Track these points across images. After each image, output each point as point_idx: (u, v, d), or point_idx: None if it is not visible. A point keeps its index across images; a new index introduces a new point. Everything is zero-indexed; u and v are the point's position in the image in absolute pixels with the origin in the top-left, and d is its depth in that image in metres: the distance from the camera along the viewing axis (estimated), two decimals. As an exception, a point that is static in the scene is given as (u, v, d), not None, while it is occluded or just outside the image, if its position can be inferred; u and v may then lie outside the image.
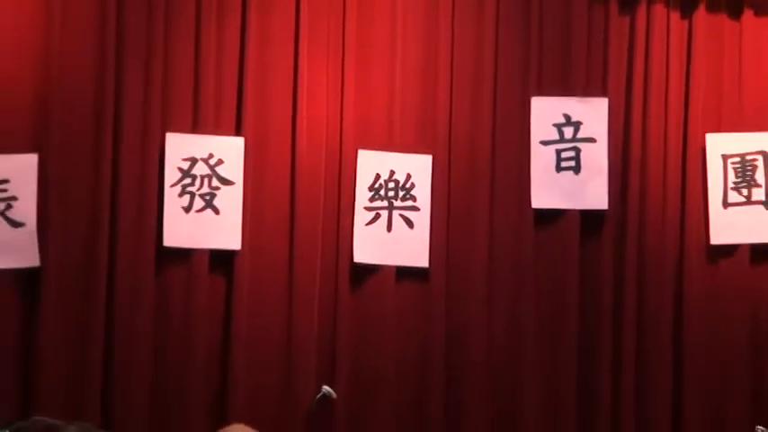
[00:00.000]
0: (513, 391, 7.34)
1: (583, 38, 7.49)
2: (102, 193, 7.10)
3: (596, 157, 7.41)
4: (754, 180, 7.46)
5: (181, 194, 7.18)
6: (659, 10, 7.50)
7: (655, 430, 7.42)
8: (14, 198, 7.00)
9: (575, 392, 7.36)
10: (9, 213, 7.02)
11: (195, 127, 7.22)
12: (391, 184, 7.33)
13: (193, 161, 7.20)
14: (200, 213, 7.19)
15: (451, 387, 7.29)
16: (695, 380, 7.39)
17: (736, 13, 7.56)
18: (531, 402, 7.32)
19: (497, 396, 7.29)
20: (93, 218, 7.11)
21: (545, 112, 7.43)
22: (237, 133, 7.27)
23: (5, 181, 7.05)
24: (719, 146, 7.46)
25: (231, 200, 7.21)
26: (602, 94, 7.50)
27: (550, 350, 7.38)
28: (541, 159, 7.41)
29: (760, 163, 7.47)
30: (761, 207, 7.44)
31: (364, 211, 7.30)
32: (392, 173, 7.32)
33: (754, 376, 7.39)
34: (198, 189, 7.19)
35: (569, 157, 7.41)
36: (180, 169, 7.19)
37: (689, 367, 7.38)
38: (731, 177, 7.46)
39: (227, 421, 6.52)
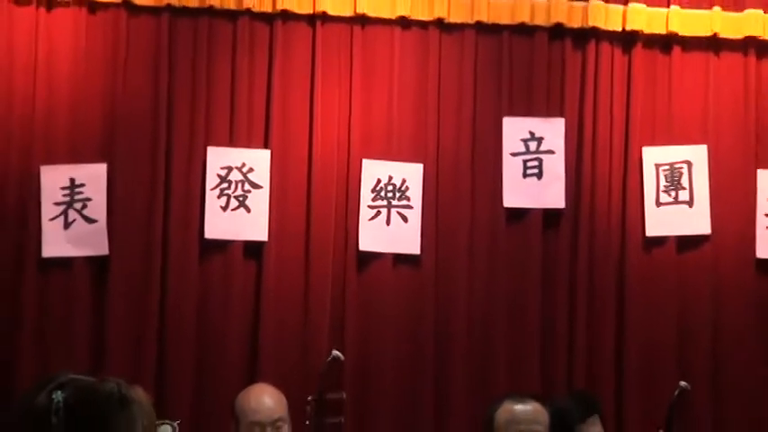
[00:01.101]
0: (487, 352, 7.50)
1: (544, 70, 7.65)
2: (157, 196, 7.36)
3: (555, 165, 7.59)
4: (681, 184, 7.63)
5: (219, 196, 7.42)
6: (605, 47, 7.65)
7: (601, 382, 7.44)
8: (89, 199, 7.28)
9: (538, 353, 7.51)
10: (85, 212, 7.29)
11: (231, 142, 7.46)
12: (390, 188, 7.51)
13: (229, 169, 7.42)
14: (235, 211, 7.42)
15: (439, 348, 7.45)
16: (633, 343, 7.54)
17: (666, 50, 7.71)
18: (501, 360, 7.48)
19: (475, 355, 7.48)
20: (149, 215, 7.36)
21: (514, 130, 7.61)
22: (265, 146, 7.48)
23: (82, 185, 7.29)
24: (653, 157, 7.63)
25: (260, 200, 7.43)
26: (560, 114, 7.64)
27: (518, 320, 7.53)
28: (511, 167, 7.58)
29: (685, 170, 7.63)
30: (685, 206, 7.62)
31: (368, 209, 7.50)
32: (390, 178, 7.52)
33: (680, 339, 7.56)
34: (233, 192, 7.42)
35: (533, 165, 7.60)
36: (218, 176, 7.42)
37: (628, 333, 7.55)
38: (662, 182, 7.62)
39: (257, 378, 6.93)
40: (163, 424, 4.07)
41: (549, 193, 7.65)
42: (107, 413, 3.43)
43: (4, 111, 7.31)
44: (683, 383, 6.74)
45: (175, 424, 4.53)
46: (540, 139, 7.65)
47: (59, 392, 3.44)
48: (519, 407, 5.77)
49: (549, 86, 7.71)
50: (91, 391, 3.48)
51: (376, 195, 7.54)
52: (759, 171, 7.72)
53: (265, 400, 6.37)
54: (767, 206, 7.71)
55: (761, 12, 7.76)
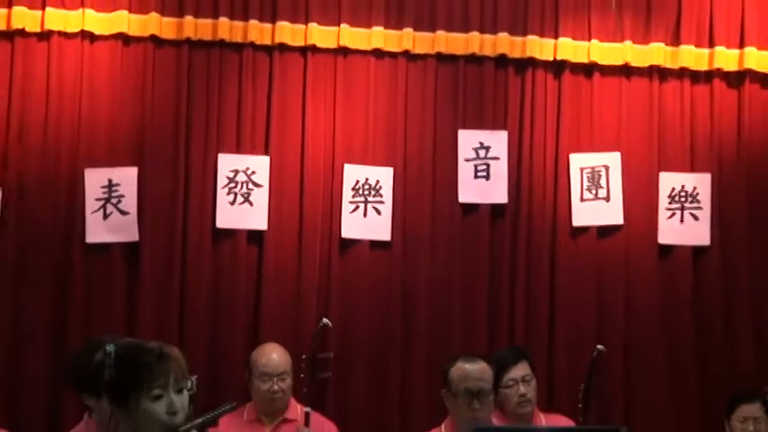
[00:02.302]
0: (444, 320, 7.63)
1: (491, 92, 7.79)
2: (178, 193, 7.49)
3: (500, 169, 7.72)
4: (599, 184, 7.74)
5: (228, 193, 7.54)
6: (540, 73, 7.80)
7: (536, 346, 7.49)
8: (123, 196, 7.41)
9: (485, 322, 7.66)
10: (120, 206, 7.40)
11: (238, 149, 7.56)
12: (366, 187, 7.64)
13: (236, 172, 7.54)
14: (241, 206, 7.53)
15: (405, 317, 7.61)
16: (561, 313, 7.68)
17: (588, 75, 7.86)
18: (456, 327, 7.61)
19: (434, 322, 7.63)
20: (171, 209, 7.48)
21: (467, 140, 7.73)
22: (265, 153, 7.58)
23: (117, 185, 7.40)
24: (578, 162, 7.76)
25: (261, 197, 7.55)
26: (504, 127, 7.76)
27: (470, 294, 7.67)
28: (465, 170, 7.72)
29: (603, 173, 7.74)
30: (603, 201, 7.73)
31: (349, 204, 7.62)
32: (367, 179, 7.64)
33: (599, 310, 7.70)
34: (239, 190, 7.54)
35: (483, 169, 7.72)
36: (227, 177, 7.53)
37: (558, 305, 7.70)
38: (585, 182, 7.74)
39: (259, 341, 7.18)
40: (185, 378, 3.98)
41: (495, 191, 7.75)
42: (149, 363, 3.76)
43: (55, 125, 7.41)
44: (600, 347, 6.74)
45: (194, 378, 4.38)
46: (488, 148, 7.74)
47: (112, 345, 3.84)
48: (469, 365, 6.07)
49: (495, 105, 7.81)
50: (137, 346, 3.89)
51: (355, 193, 7.65)
52: (661, 173, 7.82)
53: (274, 356, 6.86)
54: (667, 202, 7.81)
55: (663, 45, 7.89)
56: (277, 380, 6.86)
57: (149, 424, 3.75)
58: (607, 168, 7.82)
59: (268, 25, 7.68)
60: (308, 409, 6.69)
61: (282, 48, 7.71)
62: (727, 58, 7.96)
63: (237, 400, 6.51)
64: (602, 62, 7.91)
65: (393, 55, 7.81)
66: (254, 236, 7.60)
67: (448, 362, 6.31)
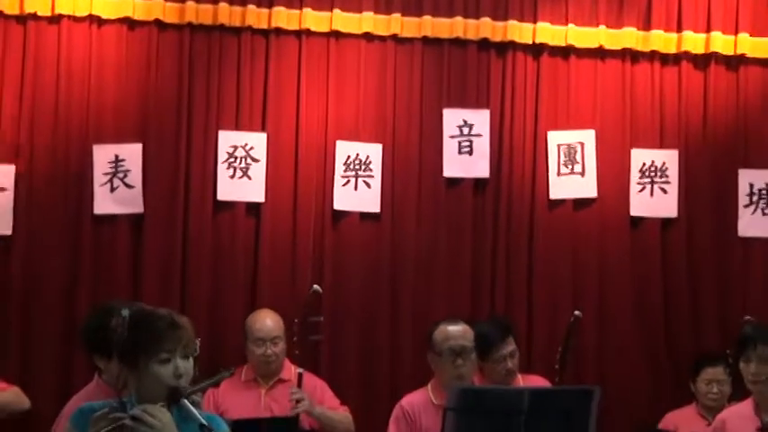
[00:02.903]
0: (429, 286, 7.66)
1: (474, 73, 7.79)
2: (180, 168, 7.49)
3: (482, 145, 7.72)
4: (575, 159, 7.75)
5: (228, 168, 7.53)
6: (520, 56, 7.80)
7: (516, 310, 7.59)
8: (128, 170, 7.41)
9: (468, 287, 7.68)
10: (126, 180, 7.40)
11: (237, 127, 7.55)
12: (357, 162, 7.64)
13: (235, 147, 7.53)
14: (240, 179, 7.53)
15: (393, 283, 7.64)
16: (540, 280, 7.72)
17: (565, 57, 7.86)
18: (440, 292, 7.64)
19: (420, 288, 7.66)
20: (173, 182, 7.48)
21: (451, 118, 7.73)
22: (262, 130, 7.56)
23: (123, 160, 7.40)
24: (555, 138, 7.76)
25: (258, 171, 7.55)
26: (486, 106, 7.76)
27: (454, 262, 7.68)
28: (450, 147, 7.72)
29: (579, 149, 7.74)
30: (579, 176, 7.74)
31: (341, 177, 7.61)
32: (357, 155, 7.64)
33: (574, 278, 7.73)
34: (238, 165, 7.54)
35: (466, 145, 7.72)
36: (227, 153, 7.53)
37: (536, 272, 7.73)
38: (562, 158, 7.74)
39: (256, 306, 7.26)
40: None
41: (478, 166, 7.76)
42: (161, 329, 3.78)
43: (65, 104, 7.41)
44: (576, 312, 6.85)
45: (197, 340, 4.38)
46: (471, 126, 7.75)
47: (127, 309, 3.87)
48: (451, 327, 6.23)
49: (477, 86, 7.82)
50: (151, 312, 3.89)
51: (347, 168, 7.65)
52: (632, 150, 7.84)
53: (267, 322, 6.91)
54: (638, 176, 7.82)
55: (635, 29, 7.89)
56: (270, 344, 6.91)
57: (155, 385, 3.76)
58: (582, 145, 7.83)
59: (265, 10, 7.67)
60: (301, 370, 6.77)
61: (278, 32, 7.71)
62: (694, 41, 7.97)
63: (236, 360, 6.86)
64: (578, 45, 7.92)
65: (382, 38, 7.81)
66: (252, 208, 7.61)
67: (432, 325, 6.43)
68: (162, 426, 3.68)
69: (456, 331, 6.26)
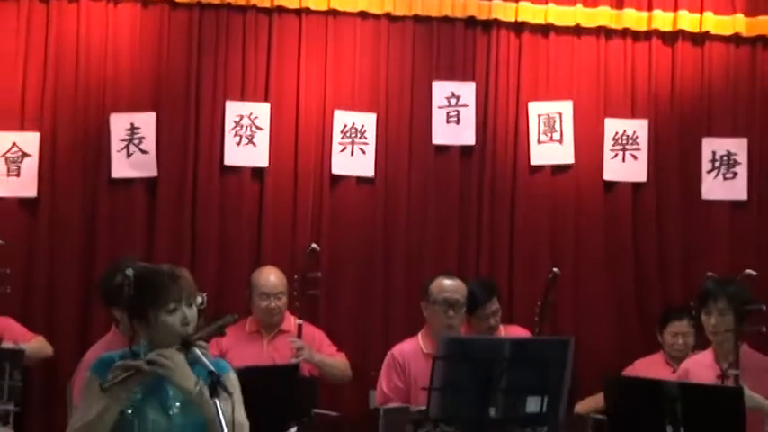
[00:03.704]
0: (420, 245, 7.67)
1: (461, 49, 7.78)
2: (190, 135, 7.48)
3: (469, 115, 7.72)
4: (554, 128, 7.74)
5: (234, 135, 7.52)
6: (503, 33, 7.79)
7: (499, 268, 7.64)
8: (143, 137, 7.40)
9: (456, 246, 7.69)
10: (141, 146, 7.40)
11: (242, 97, 7.54)
12: (353, 130, 7.63)
13: (241, 117, 7.52)
14: (245, 146, 7.53)
15: (386, 242, 7.64)
16: (521, 241, 7.75)
17: (545, 34, 7.84)
18: (429, 250, 7.65)
19: (411, 247, 7.67)
20: (184, 149, 7.47)
21: (440, 90, 7.72)
22: (266, 101, 7.55)
23: (138, 128, 7.39)
24: (536, 109, 7.76)
25: (262, 138, 7.54)
26: (472, 79, 7.75)
27: (442, 223, 7.70)
28: (438, 116, 7.72)
29: (557, 119, 7.74)
30: (557, 144, 7.75)
31: (338, 144, 7.60)
32: (353, 124, 7.62)
33: (553, 238, 7.76)
34: (244, 132, 7.52)
35: (453, 115, 7.72)
36: (234, 121, 7.51)
37: (517, 233, 7.76)
38: (541, 127, 7.74)
39: (260, 263, 7.25)
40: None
41: (464, 134, 7.76)
42: (164, 282, 3.80)
43: (84, 77, 7.41)
44: (555, 270, 6.83)
45: (204, 295, 4.51)
46: (458, 97, 7.75)
47: (131, 269, 3.89)
48: (447, 281, 6.31)
49: (464, 60, 7.82)
50: (152, 269, 3.93)
51: (343, 136, 7.64)
52: (606, 119, 7.84)
53: (271, 278, 6.89)
54: (611, 144, 7.83)
55: (609, 8, 7.88)
56: (274, 298, 6.90)
57: (166, 334, 3.77)
58: (560, 115, 7.84)
59: (268, -10, 7.64)
60: (301, 322, 6.79)
61: (280, 10, 7.69)
62: (663, 20, 7.96)
63: (241, 313, 6.72)
64: (556, 23, 7.90)
65: (376, 17, 7.80)
66: (257, 172, 7.62)
67: (428, 279, 6.49)
68: (176, 366, 3.70)
69: (451, 285, 6.33)
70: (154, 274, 3.87)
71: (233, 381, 3.79)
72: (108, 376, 3.71)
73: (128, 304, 3.87)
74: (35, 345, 6.88)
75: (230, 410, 3.65)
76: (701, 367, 5.85)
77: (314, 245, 7.07)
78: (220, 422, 3.59)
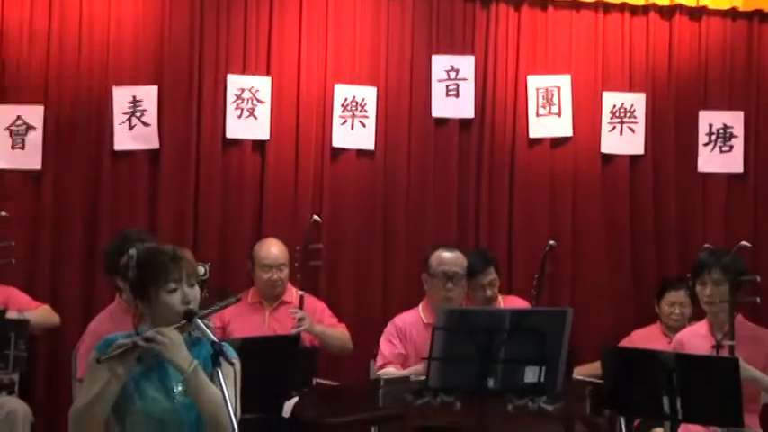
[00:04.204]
0: (419, 217, 7.67)
1: (460, 23, 7.76)
2: (192, 108, 7.45)
3: (468, 89, 7.72)
4: (552, 102, 7.74)
5: (236, 108, 7.50)
6: (502, 7, 7.77)
7: (497, 238, 7.65)
8: (145, 110, 7.37)
9: (456, 218, 7.69)
10: (143, 119, 7.37)
11: (244, 71, 7.51)
12: (353, 103, 7.62)
13: (242, 90, 7.51)
14: (247, 119, 7.51)
15: (386, 214, 7.64)
16: (520, 212, 7.75)
17: (543, 9, 7.84)
18: (430, 222, 7.66)
19: (411, 219, 7.67)
20: (187, 121, 7.44)
21: (440, 64, 7.72)
22: (267, 74, 7.53)
23: (140, 101, 7.37)
24: (534, 82, 7.76)
25: (263, 112, 7.52)
26: (471, 53, 7.75)
27: (442, 195, 7.71)
28: (438, 90, 7.70)
29: (555, 92, 7.74)
30: (555, 117, 7.74)
31: (339, 118, 7.59)
32: (354, 97, 7.62)
33: (551, 209, 7.74)
34: (245, 106, 7.51)
35: (453, 88, 7.73)
36: (235, 95, 7.49)
37: (516, 205, 7.76)
38: (540, 100, 7.75)
39: (262, 235, 7.30)
40: (198, 265, 4.01)
41: (464, 107, 7.76)
42: (165, 262, 3.83)
43: (87, 51, 7.39)
44: (552, 241, 6.85)
45: (207, 265, 4.52)
46: (457, 71, 7.74)
47: (134, 250, 3.94)
48: (447, 253, 6.33)
49: (464, 34, 7.81)
50: (155, 249, 3.96)
51: (344, 109, 7.63)
52: (604, 93, 7.83)
53: (273, 250, 6.91)
54: (609, 117, 7.84)
55: None
56: (276, 270, 6.92)
57: (167, 313, 3.80)
58: (559, 88, 7.84)
59: (270, -36, 7.61)
60: (302, 293, 6.80)
61: (282, -18, 7.68)
62: (661, -7, 7.96)
63: (243, 283, 6.97)
64: (555, -2, 7.92)
65: (377, -8, 7.79)
66: (258, 145, 7.61)
67: (428, 250, 6.51)
68: (171, 343, 3.72)
69: (450, 257, 6.34)
70: (155, 255, 3.90)
71: (237, 369, 3.77)
72: (108, 351, 3.75)
73: (131, 283, 3.90)
74: (41, 313, 6.91)
75: (231, 379, 3.69)
76: (696, 338, 5.89)
77: (316, 216, 7.08)
78: (223, 393, 3.61)
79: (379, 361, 6.33)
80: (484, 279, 6.68)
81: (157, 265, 3.82)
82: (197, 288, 3.86)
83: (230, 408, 3.60)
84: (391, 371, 6.13)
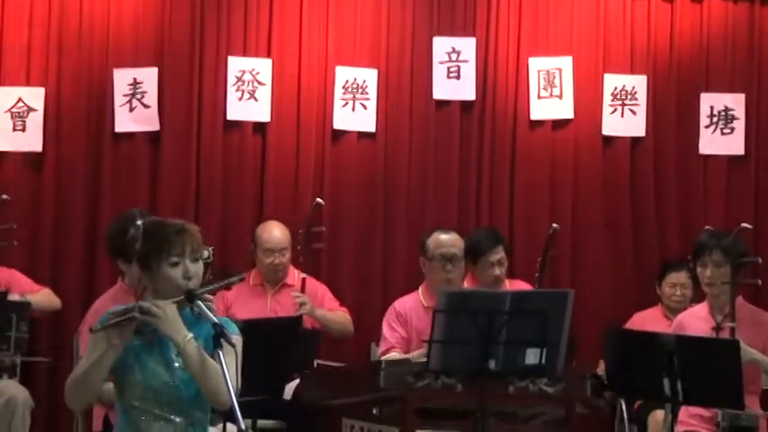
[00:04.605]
0: (420, 199, 7.68)
1: (461, 4, 7.73)
2: (193, 90, 7.49)
3: (469, 70, 7.71)
4: (554, 84, 7.73)
5: (236, 90, 7.51)
6: None
7: (499, 220, 7.60)
8: (146, 92, 7.39)
9: (456, 199, 7.70)
10: (143, 100, 7.39)
11: (244, 53, 7.53)
12: (354, 86, 7.61)
13: (243, 72, 7.52)
14: (247, 101, 7.52)
15: (387, 196, 7.65)
16: (521, 194, 7.75)
17: None
18: (431, 204, 7.66)
19: (411, 201, 7.68)
20: (188, 103, 7.47)
21: (441, 45, 7.71)
22: (268, 56, 7.54)
23: (141, 82, 7.38)
24: (536, 65, 7.75)
25: (264, 94, 7.54)
26: (473, 35, 7.74)
27: (442, 177, 7.71)
28: (439, 71, 7.69)
29: (557, 74, 7.72)
30: (557, 99, 7.73)
31: (340, 99, 7.59)
32: (355, 79, 7.62)
33: (552, 191, 7.75)
34: (246, 87, 7.52)
35: (454, 70, 7.72)
36: (236, 77, 7.50)
37: (517, 186, 7.76)
38: (542, 82, 7.74)
39: (263, 218, 7.29)
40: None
41: (465, 89, 7.75)
42: (168, 235, 3.83)
43: (88, 33, 7.40)
44: (554, 225, 6.87)
45: (210, 249, 4.56)
46: (458, 52, 7.74)
47: (141, 222, 3.95)
48: (443, 235, 6.29)
49: (465, 16, 7.79)
50: (160, 222, 3.96)
51: (345, 91, 7.63)
52: (605, 75, 7.82)
53: (276, 233, 6.91)
54: (610, 99, 7.83)
55: None
56: (278, 255, 6.92)
57: (168, 286, 3.79)
58: (560, 70, 7.82)
59: (270, -56, 7.59)
60: (304, 276, 6.82)
61: (283, -35, 7.66)
62: (662, -25, 7.92)
63: (244, 265, 6.94)
64: (556, -21, 7.87)
65: (378, -28, 7.77)
66: (259, 127, 7.62)
67: (425, 233, 6.49)
68: (165, 316, 3.71)
69: (448, 239, 6.30)
70: (160, 227, 3.90)
71: (238, 342, 3.77)
72: (104, 320, 3.76)
73: (136, 255, 3.89)
74: (42, 296, 6.91)
75: (233, 362, 3.70)
76: (696, 320, 5.89)
77: (318, 199, 7.10)
78: (224, 373, 3.61)
79: (383, 346, 6.32)
80: (492, 257, 6.57)
81: (161, 237, 3.82)
82: (200, 264, 3.85)
83: (231, 387, 3.59)
84: (395, 356, 6.12)
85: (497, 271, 6.57)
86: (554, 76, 7.82)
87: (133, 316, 3.71)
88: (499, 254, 6.61)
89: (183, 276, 3.79)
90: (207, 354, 3.73)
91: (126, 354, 3.76)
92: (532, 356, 5.23)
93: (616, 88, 7.88)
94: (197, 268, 3.84)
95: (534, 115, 7.83)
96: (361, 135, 7.71)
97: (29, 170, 7.39)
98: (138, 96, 7.45)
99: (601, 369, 6.21)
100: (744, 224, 5.91)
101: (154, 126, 7.48)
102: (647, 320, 7.01)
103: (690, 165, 7.95)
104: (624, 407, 6.77)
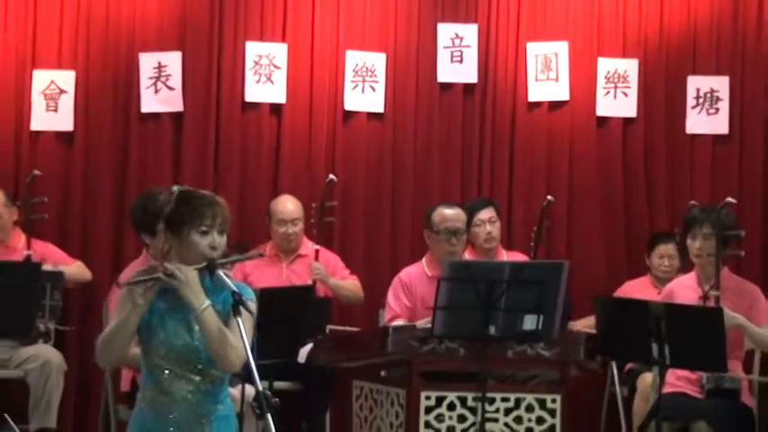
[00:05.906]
0: (426, 175, 7.66)
1: None
2: (213, 73, 7.49)
3: (471, 55, 7.69)
4: (550, 67, 7.69)
5: (254, 74, 7.50)
6: None
7: (499, 194, 7.59)
8: (170, 75, 7.41)
9: (459, 176, 7.69)
10: (168, 83, 7.41)
11: (261, 38, 7.52)
12: (364, 69, 7.60)
13: (260, 56, 7.51)
14: (264, 84, 7.51)
15: (395, 173, 7.64)
16: (519, 170, 7.72)
17: None
18: (436, 180, 7.65)
19: (417, 177, 7.66)
20: (208, 85, 7.47)
21: (445, 32, 7.69)
22: (283, 41, 7.54)
23: (165, 66, 7.40)
24: (534, 49, 7.71)
25: (280, 76, 7.53)
26: (475, 21, 7.71)
27: (447, 155, 7.70)
28: (443, 56, 7.68)
29: (554, 58, 7.68)
30: (553, 82, 7.69)
31: (350, 82, 7.57)
32: (364, 63, 7.59)
33: (549, 167, 7.71)
34: (263, 71, 7.52)
35: (457, 54, 7.70)
36: (253, 61, 7.49)
37: (516, 163, 7.73)
38: (539, 66, 7.71)
39: (279, 193, 7.29)
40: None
41: (467, 72, 7.72)
42: (201, 204, 3.80)
43: (115, 19, 7.42)
44: (549, 197, 6.87)
45: None
46: (461, 38, 7.71)
47: (177, 187, 3.90)
48: (448, 210, 6.27)
49: (467, 4, 7.75)
50: (194, 192, 3.91)
51: (355, 74, 7.61)
52: (599, 58, 7.77)
53: (289, 205, 6.94)
54: (604, 81, 7.78)
55: None
56: (291, 225, 6.95)
57: (193, 253, 3.77)
58: (557, 55, 7.79)
59: (284, -67, 7.60)
60: (318, 247, 6.88)
61: (296, -47, 7.66)
62: (653, -39, 7.88)
63: (260, 238, 7.00)
64: (552, -32, 7.83)
65: (386, -40, 7.75)
66: (275, 108, 7.62)
67: (429, 208, 6.47)
68: (187, 281, 3.69)
69: (452, 214, 6.28)
70: (195, 196, 3.87)
71: (253, 307, 3.77)
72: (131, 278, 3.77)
73: (166, 217, 3.83)
74: (75, 269, 6.96)
75: (251, 328, 3.72)
76: (685, 289, 5.91)
77: (331, 176, 7.09)
78: (243, 339, 3.62)
79: (388, 314, 6.32)
80: (483, 215, 6.71)
81: (194, 206, 3.78)
82: (225, 237, 3.83)
83: (249, 354, 3.60)
84: (400, 324, 6.10)
85: (488, 227, 6.70)
86: (551, 60, 7.77)
87: (158, 276, 3.70)
88: (490, 213, 6.76)
89: (209, 246, 3.77)
90: (220, 319, 3.73)
91: (151, 315, 3.76)
92: (530, 322, 5.30)
93: (609, 71, 7.85)
94: (222, 241, 3.82)
95: (532, 97, 7.80)
96: (371, 116, 7.70)
97: (60, 148, 7.42)
98: (163, 79, 7.46)
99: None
100: (729, 198, 5.90)
101: (178, 107, 7.50)
102: (637, 289, 7.01)
103: (677, 143, 7.91)
104: (615, 369, 6.78)
